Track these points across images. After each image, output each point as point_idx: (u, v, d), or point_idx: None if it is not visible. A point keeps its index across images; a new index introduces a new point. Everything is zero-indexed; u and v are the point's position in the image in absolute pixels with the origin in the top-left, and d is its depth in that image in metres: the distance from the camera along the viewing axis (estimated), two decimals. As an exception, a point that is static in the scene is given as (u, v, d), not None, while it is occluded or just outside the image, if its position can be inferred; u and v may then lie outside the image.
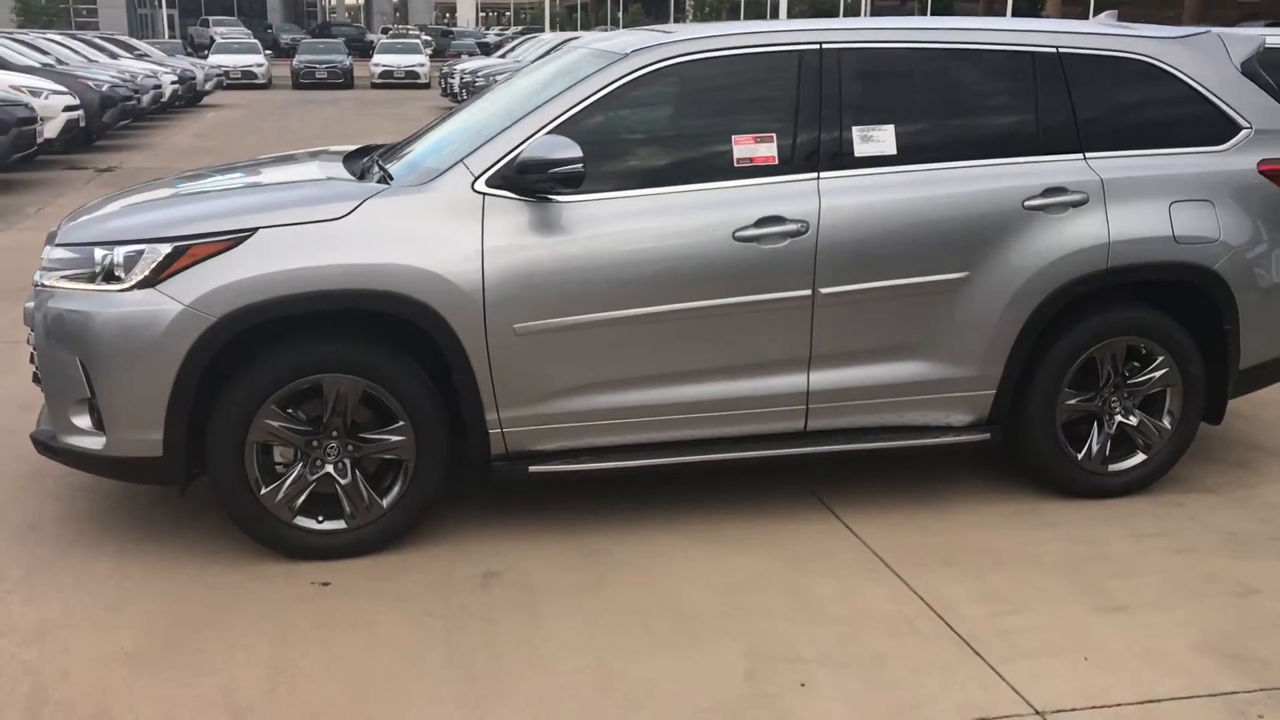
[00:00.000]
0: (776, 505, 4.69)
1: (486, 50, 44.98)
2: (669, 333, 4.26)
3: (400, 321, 4.09)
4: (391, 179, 4.39)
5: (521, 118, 4.29)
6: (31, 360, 4.34)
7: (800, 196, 4.33)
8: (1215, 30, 4.97)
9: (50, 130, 14.87)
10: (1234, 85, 4.78)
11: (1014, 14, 40.59)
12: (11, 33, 23.35)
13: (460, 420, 4.21)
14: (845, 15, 61.90)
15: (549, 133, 4.19)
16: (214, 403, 4.03)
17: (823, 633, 3.75)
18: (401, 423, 4.14)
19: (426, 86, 36.92)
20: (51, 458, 4.28)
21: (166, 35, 53.53)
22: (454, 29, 77.26)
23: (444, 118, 5.25)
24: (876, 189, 4.39)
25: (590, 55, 4.71)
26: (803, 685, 3.45)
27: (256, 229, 4.00)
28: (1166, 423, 4.78)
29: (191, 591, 3.97)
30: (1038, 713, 3.32)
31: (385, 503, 4.21)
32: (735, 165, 4.35)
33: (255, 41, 41.85)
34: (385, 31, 60.07)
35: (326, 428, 4.12)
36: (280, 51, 53.86)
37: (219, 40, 42.39)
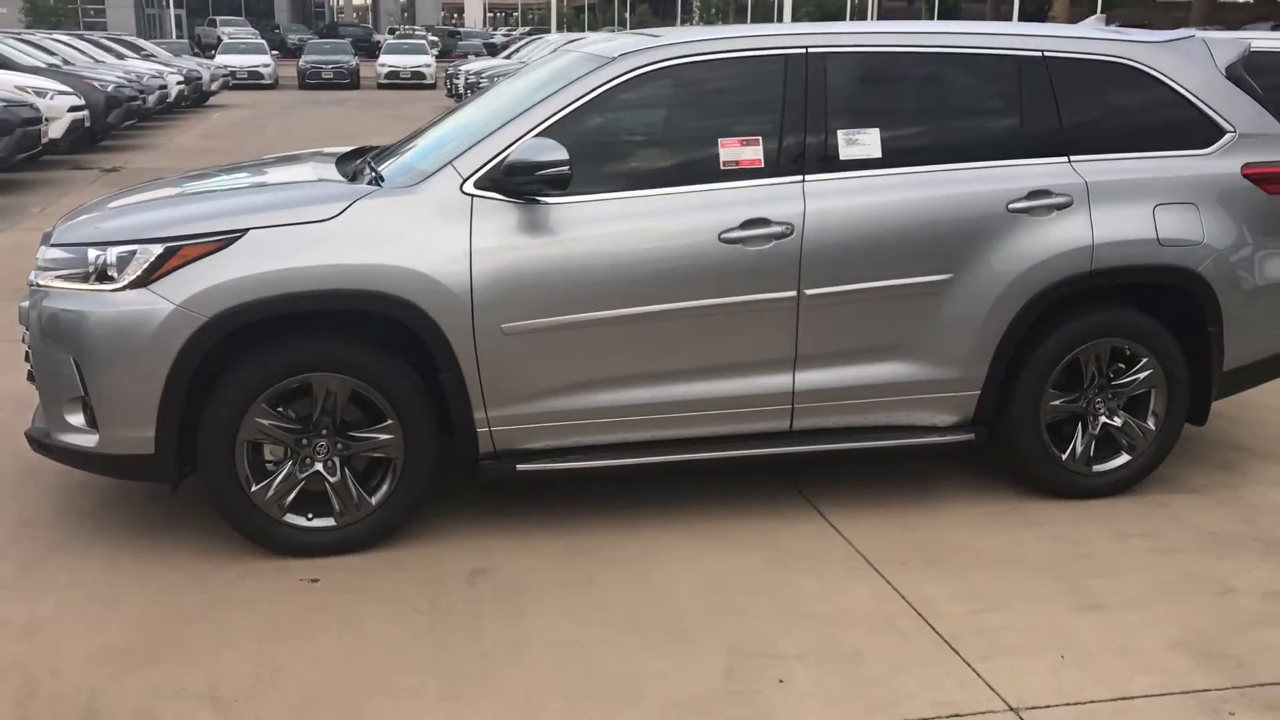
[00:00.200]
0: (764, 504, 4.74)
1: (493, 51, 45.04)
2: (655, 333, 4.31)
3: (389, 321, 4.15)
4: (383, 180, 4.45)
5: (510, 120, 4.34)
6: (26, 359, 4.40)
7: (785, 199, 4.37)
8: (1200, 35, 5.01)
9: (55, 130, 14.96)
10: (1218, 89, 4.81)
11: (1021, 17, 40.58)
12: (18, 33, 23.47)
13: (449, 419, 4.27)
14: (852, 17, 61.96)
15: (537, 135, 4.25)
16: (205, 401, 4.09)
17: (804, 630, 3.79)
18: (390, 421, 4.20)
19: (432, 87, 37.02)
20: (46, 455, 4.34)
21: (174, 35, 53.69)
22: (461, 29, 77.40)
23: (438, 119, 5.30)
24: (861, 192, 4.44)
25: (580, 59, 4.76)
26: (781, 682, 3.50)
27: (247, 230, 4.06)
28: (1151, 424, 4.82)
29: (183, 588, 4.03)
30: (1012, 709, 3.36)
31: (374, 500, 4.26)
32: (722, 168, 4.39)
33: (262, 42, 42.00)
34: (392, 32, 60.26)
35: (316, 426, 4.18)
36: (287, 52, 53.96)
37: (226, 40, 42.58)
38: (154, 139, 20.05)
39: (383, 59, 39.28)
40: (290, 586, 4.04)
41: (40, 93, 14.95)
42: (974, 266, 4.50)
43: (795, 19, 44.43)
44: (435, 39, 56.66)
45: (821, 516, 4.64)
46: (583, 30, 57.40)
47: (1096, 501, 4.79)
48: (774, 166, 4.42)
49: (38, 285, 4.22)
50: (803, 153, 4.43)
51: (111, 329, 4.01)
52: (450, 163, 4.27)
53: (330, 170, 4.85)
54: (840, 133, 4.47)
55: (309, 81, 37.74)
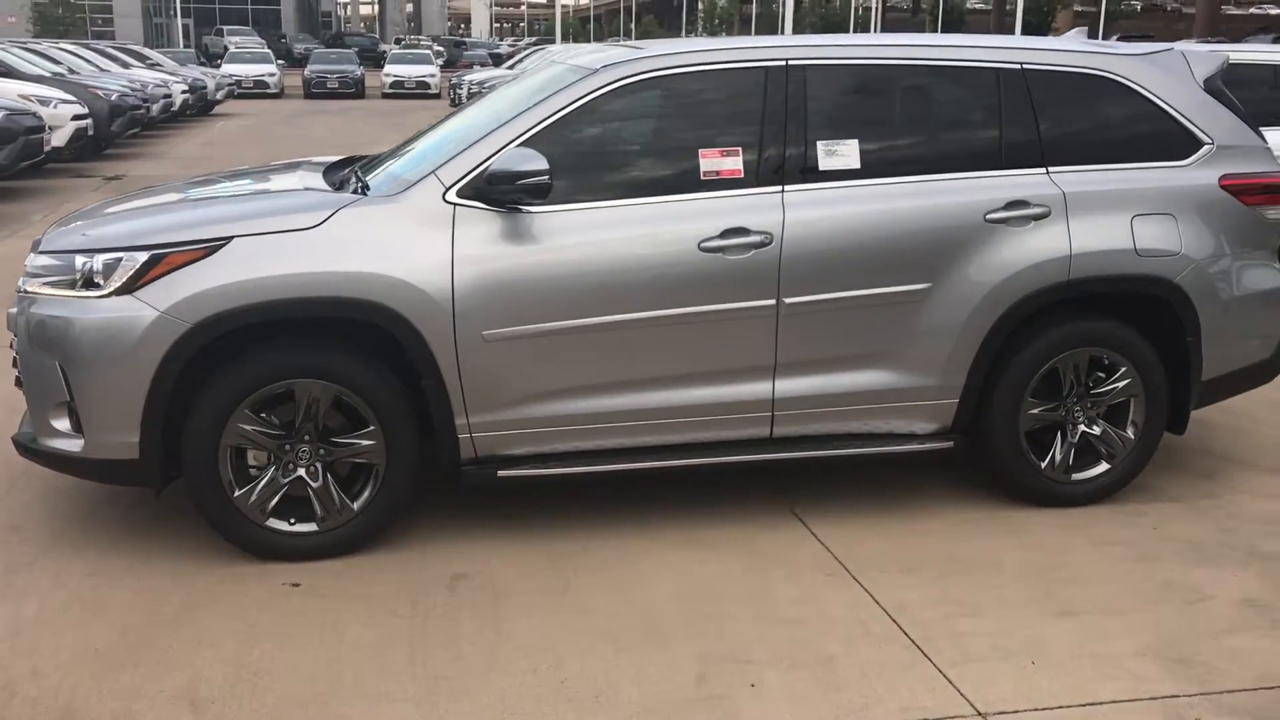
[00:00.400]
0: (744, 510, 4.77)
1: (498, 61, 45.23)
2: (635, 340, 4.36)
3: (371, 328, 4.19)
4: (369, 190, 4.50)
5: (493, 131, 4.39)
6: (15, 364, 4.45)
7: (765, 209, 4.42)
8: (1179, 48, 5.06)
9: (58, 139, 15.06)
10: (1197, 102, 4.86)
11: (1024, 27, 40.67)
12: (25, 42, 23.57)
13: (431, 425, 4.31)
14: (856, 28, 62.09)
15: (519, 145, 4.30)
16: (189, 407, 4.14)
17: (778, 635, 3.83)
18: (372, 427, 4.24)
19: (437, 96, 37.16)
20: (32, 460, 4.39)
21: (181, 45, 53.94)
22: (467, 40, 77.57)
23: (428, 129, 5.35)
24: (840, 202, 4.48)
25: (565, 70, 4.82)
26: (753, 686, 3.53)
27: (231, 238, 4.11)
28: (1130, 433, 4.85)
29: (166, 591, 4.07)
30: (979, 714, 3.40)
31: (356, 506, 4.31)
32: (702, 178, 4.44)
33: (268, 51, 42.21)
34: (398, 42, 60.47)
35: (299, 432, 4.22)
36: (294, 61, 54.19)
37: (232, 49, 42.73)
38: (157, 147, 20.16)
39: (387, 69, 39.44)
40: (272, 590, 4.09)
41: (44, 101, 15.08)
42: (952, 276, 4.54)
43: (798, 30, 44.46)
44: (441, 49, 56.79)
45: (802, 523, 4.68)
46: (589, 40, 57.52)
47: (1075, 510, 4.82)
48: (754, 177, 4.46)
49: (26, 292, 4.27)
50: (782, 163, 4.48)
51: (97, 335, 4.06)
52: (433, 172, 4.32)
53: (317, 179, 4.90)
54: (820, 144, 4.51)
55: (314, 91, 37.88)
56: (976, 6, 74.04)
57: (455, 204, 4.25)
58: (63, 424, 4.21)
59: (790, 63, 4.55)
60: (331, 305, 4.14)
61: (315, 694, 3.46)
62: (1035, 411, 4.74)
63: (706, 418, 4.50)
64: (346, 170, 5.09)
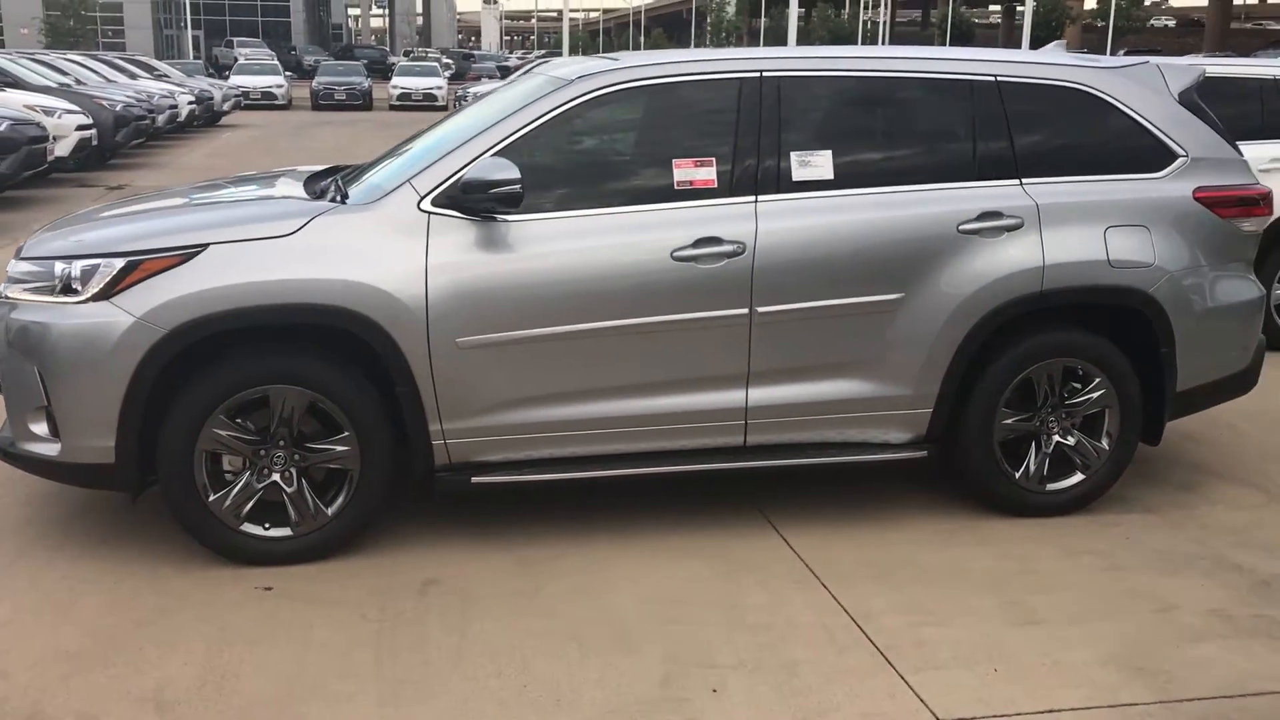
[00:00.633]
0: (717, 518, 4.80)
1: (506, 74, 45.41)
2: (609, 348, 4.39)
3: (346, 335, 4.24)
4: (347, 198, 4.55)
5: (468, 140, 4.44)
6: (-5, 370, 4.50)
7: (738, 219, 4.46)
8: (1154, 61, 5.09)
9: (62, 148, 15.17)
10: (1171, 114, 4.89)
11: (1031, 42, 40.73)
12: (32, 53, 23.75)
13: (405, 432, 4.35)
14: (864, 42, 62.20)
15: (494, 155, 4.34)
16: (165, 412, 4.18)
17: (744, 640, 3.85)
18: (347, 433, 4.28)
19: (444, 108, 37.29)
20: (11, 464, 4.43)
21: (191, 56, 54.27)
22: (476, 52, 77.89)
23: (409, 140, 5.40)
24: (813, 212, 4.52)
25: (544, 81, 4.86)
26: (714, 691, 3.56)
27: (208, 245, 4.16)
28: (1104, 443, 4.87)
29: (139, 594, 4.11)
30: (938, 720, 3.42)
31: (330, 511, 4.34)
32: (675, 188, 4.48)
33: (276, 63, 42.47)
34: (407, 54, 60.74)
35: (274, 437, 4.27)
36: (303, 73, 54.50)
37: (241, 61, 43.05)
38: (161, 157, 20.29)
39: (395, 81, 39.68)
40: (245, 594, 4.13)
41: (48, 111, 15.17)
42: (925, 286, 4.57)
43: (807, 44, 44.49)
44: (449, 62, 57.12)
45: (775, 530, 4.71)
46: (598, 53, 57.76)
47: (1049, 520, 4.84)
48: (727, 187, 4.50)
49: (6, 297, 4.32)
50: (756, 174, 4.52)
51: (74, 340, 4.11)
52: (408, 181, 4.37)
53: (298, 188, 4.95)
54: (793, 154, 4.55)
55: (322, 102, 38.10)
56: (986, 21, 74.19)
57: (430, 212, 4.30)
58: (40, 428, 4.26)
59: (765, 74, 4.59)
60: (306, 312, 4.18)
61: (280, 696, 3.49)
62: (1009, 421, 4.76)
63: (680, 425, 4.53)
64: (328, 180, 5.13)
